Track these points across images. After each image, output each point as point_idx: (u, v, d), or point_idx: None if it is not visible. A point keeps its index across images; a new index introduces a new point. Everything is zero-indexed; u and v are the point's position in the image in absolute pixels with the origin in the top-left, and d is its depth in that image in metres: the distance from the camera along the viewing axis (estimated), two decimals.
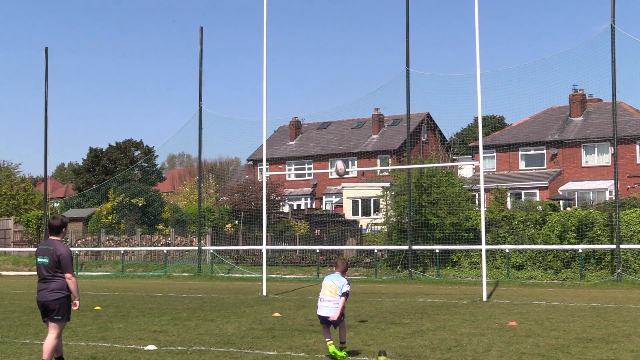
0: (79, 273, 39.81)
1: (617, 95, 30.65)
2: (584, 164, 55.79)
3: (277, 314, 18.85)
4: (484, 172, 26.29)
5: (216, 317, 18.24)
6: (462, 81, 44.29)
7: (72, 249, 40.02)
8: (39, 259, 10.92)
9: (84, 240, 46.89)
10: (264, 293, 25.75)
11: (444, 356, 12.25)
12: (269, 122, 36.01)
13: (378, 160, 64.02)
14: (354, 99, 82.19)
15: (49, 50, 43.22)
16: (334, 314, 12.14)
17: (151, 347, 13.30)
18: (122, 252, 43.47)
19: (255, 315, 18.69)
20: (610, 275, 30.51)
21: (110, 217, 48.55)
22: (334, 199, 64.18)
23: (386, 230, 38.44)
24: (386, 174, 55.72)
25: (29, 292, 26.79)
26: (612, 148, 32.51)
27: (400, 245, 35.77)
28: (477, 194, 40.59)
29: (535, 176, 55.95)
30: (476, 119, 50.99)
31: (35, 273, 36.17)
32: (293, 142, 71.25)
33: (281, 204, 56.50)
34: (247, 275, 36.73)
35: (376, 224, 43.06)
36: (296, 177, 68.27)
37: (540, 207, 36.31)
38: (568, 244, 32.39)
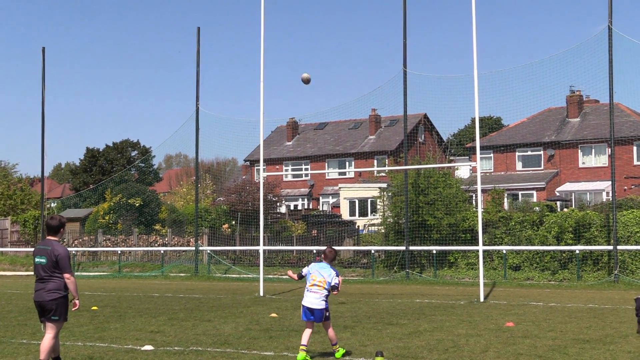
0: (76, 273, 39.71)
1: (614, 96, 30.71)
2: (581, 165, 55.84)
3: (274, 315, 18.84)
4: (481, 173, 26.31)
5: (213, 318, 18.22)
6: (459, 82, 44.35)
7: (69, 249, 39.92)
8: (36, 259, 10.91)
9: (81, 240, 46.85)
10: (261, 293, 25.74)
11: (441, 357, 12.25)
12: (266, 122, 36.08)
13: (375, 161, 64.05)
14: (351, 100, 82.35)
15: (46, 50, 43.22)
16: (320, 306, 12.05)
17: (148, 347, 13.29)
18: (119, 252, 43.45)
19: (252, 316, 18.68)
20: (607, 276, 30.53)
21: (107, 217, 48.54)
22: (331, 200, 64.19)
23: (383, 231, 38.44)
24: (383, 174, 55.74)
25: (26, 292, 26.76)
26: (609, 149, 32.60)
27: (397, 246, 35.77)
28: (474, 195, 40.62)
29: (532, 177, 56.00)
30: (473, 120, 50.98)
31: (32, 273, 36.15)
32: (290, 143, 71.26)
33: (278, 204, 56.51)
34: (244, 275, 36.71)
35: (373, 225, 43.07)
36: (293, 177, 68.29)
37: (537, 208, 36.35)
38: (565, 245, 32.42)
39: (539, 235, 33.59)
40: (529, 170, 57.32)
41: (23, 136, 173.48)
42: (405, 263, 34.10)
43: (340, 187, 59.99)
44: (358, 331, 15.50)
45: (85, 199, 57.47)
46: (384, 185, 44.05)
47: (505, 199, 44.81)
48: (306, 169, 66.54)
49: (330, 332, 12.36)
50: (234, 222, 47.34)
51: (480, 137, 24.89)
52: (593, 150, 55.67)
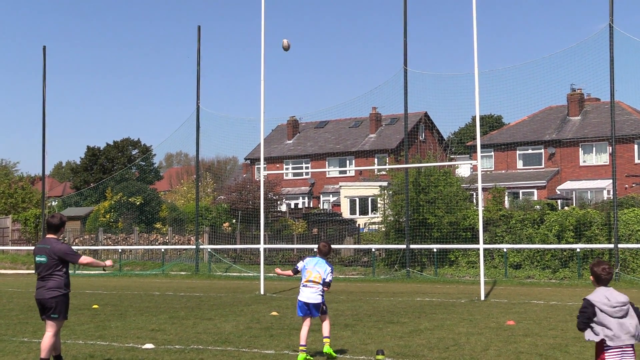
0: (76, 272, 39.75)
1: (615, 94, 30.68)
2: (581, 164, 55.82)
3: (274, 313, 18.84)
4: (482, 171, 26.29)
5: (214, 316, 18.22)
6: (459, 80, 44.39)
7: None
8: (37, 258, 10.93)
9: (81, 238, 46.88)
10: (262, 292, 25.75)
11: (442, 355, 12.25)
12: (267, 121, 36.21)
13: (376, 160, 64.03)
14: (351, 98, 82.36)
15: (47, 49, 43.23)
16: (316, 300, 12.01)
17: (149, 345, 13.29)
18: (120, 250, 43.47)
19: (252, 314, 18.68)
20: None
21: (107, 216, 48.55)
22: (332, 198, 64.17)
23: (384, 229, 38.45)
24: (384, 173, 55.74)
25: (27, 291, 26.78)
26: (610, 147, 32.56)
27: (398, 244, 35.76)
28: (474, 193, 40.62)
29: (533, 175, 55.98)
30: (474, 118, 51.01)
31: (33, 272, 36.09)
32: (291, 141, 71.24)
33: (279, 203, 56.50)
34: (245, 274, 36.72)
35: (374, 223, 43.07)
36: (294, 176, 68.27)
37: (538, 206, 36.34)
38: (566, 244, 32.41)
39: (539, 234, 33.58)
40: (529, 169, 57.31)
41: (24, 135, 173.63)
42: (406, 261, 34.10)
43: (340, 186, 59.98)
44: (359, 329, 15.49)
45: (86, 197, 57.51)
46: (385, 183, 44.04)
47: (506, 198, 44.81)
48: (307, 168, 66.53)
49: (326, 324, 12.23)
50: (234, 221, 47.35)
51: (480, 136, 24.91)
52: (594, 148, 55.65)
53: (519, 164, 58.09)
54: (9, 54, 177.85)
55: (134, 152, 79.16)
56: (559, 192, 53.39)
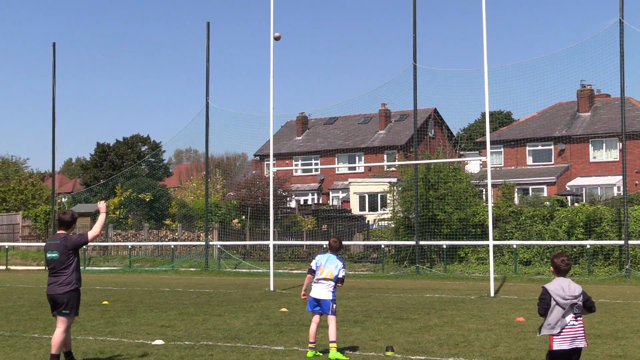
0: (86, 268, 39.90)
1: (625, 90, 30.57)
2: (591, 160, 55.63)
3: (284, 309, 18.85)
4: (491, 167, 26.25)
5: (223, 312, 18.25)
6: (469, 76, 44.28)
7: None
8: (48, 255, 10.96)
9: None
10: (271, 288, 25.77)
11: (452, 352, 12.23)
12: (276, 117, 36.21)
13: (385, 156, 63.97)
14: (360, 95, 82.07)
15: (56, 45, 43.35)
16: (327, 296, 11.95)
17: (159, 341, 13.32)
18: (130, 247, 43.57)
19: (262, 311, 18.69)
20: (619, 271, 30.44)
21: (117, 212, 48.67)
22: (341, 195, 64.16)
23: (393, 225, 38.43)
24: (393, 169, 55.70)
25: (38, 287, 26.87)
26: (621, 143, 32.44)
27: (407, 240, 35.74)
28: (484, 190, 40.54)
29: (542, 172, 55.84)
30: (483, 115, 50.89)
31: (43, 268, 36.20)
32: (300, 138, 71.23)
33: (288, 199, 56.52)
34: (254, 270, 36.77)
35: (383, 220, 43.05)
36: (303, 172, 68.26)
37: (547, 202, 36.26)
38: (576, 240, 32.34)
39: (549, 230, 33.51)
40: (539, 165, 57.16)
41: (34, 131, 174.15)
42: (415, 258, 34.07)
43: (350, 182, 59.96)
44: (368, 326, 15.49)
45: (95, 193, 57.62)
46: (394, 180, 44.03)
47: (516, 194, 44.73)
48: (316, 164, 66.48)
49: (332, 327, 11.99)
50: (244, 217, 47.40)
51: (490, 132, 24.84)
52: (604, 144, 55.46)
53: (529, 160, 57.94)
54: (19, 51, 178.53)
55: (143, 149, 79.27)
56: (568, 189, 53.24)
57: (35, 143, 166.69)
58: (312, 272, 12.23)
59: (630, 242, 30.32)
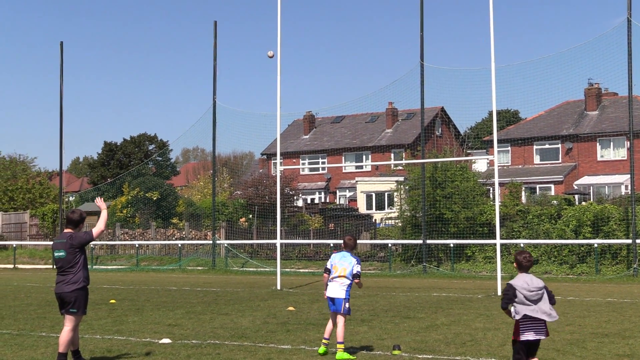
0: (94, 267, 39.98)
1: (633, 89, 30.51)
2: (599, 158, 55.49)
3: (291, 308, 18.87)
4: (499, 166, 26.21)
5: (230, 311, 18.27)
6: (476, 75, 44.20)
7: None
8: (55, 254, 10.99)
9: None
10: (278, 287, 25.78)
11: (459, 350, 12.23)
12: (283, 116, 36.10)
13: (392, 155, 63.93)
14: (368, 93, 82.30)
15: (64, 44, 43.42)
16: (340, 295, 11.91)
17: (166, 340, 13.34)
18: (137, 245, 43.63)
19: (269, 309, 18.71)
20: (626, 270, 30.37)
21: (125, 211, 48.73)
22: (348, 193, 64.16)
23: (400, 224, 38.40)
24: (400, 168, 55.65)
25: (45, 286, 26.94)
26: (628, 142, 32.35)
27: (414, 239, 35.72)
28: (491, 188, 40.48)
29: (550, 170, 55.73)
30: (490, 113, 50.80)
31: (51, 266, 36.27)
32: (307, 136, 71.23)
33: (295, 198, 56.53)
34: (261, 269, 36.79)
35: (390, 218, 43.03)
36: (310, 171, 68.26)
37: (555, 201, 36.18)
38: (583, 239, 32.26)
39: (557, 229, 33.44)
40: (546, 164, 57.04)
41: (42, 130, 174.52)
42: (423, 257, 34.06)
43: (357, 181, 59.95)
44: (375, 325, 15.49)
45: (103, 192, 57.70)
46: (401, 178, 43.94)
47: (523, 193, 44.62)
48: (323, 163, 66.48)
49: (340, 329, 11.86)
50: (251, 216, 47.42)
51: (497, 130, 24.81)
52: (612, 143, 55.31)
53: (536, 159, 57.82)
54: (27, 50, 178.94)
55: (150, 148, 79.36)
56: (576, 187, 53.11)
57: (42, 142, 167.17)
58: (328, 271, 12.18)
59: (638, 241, 30.23)
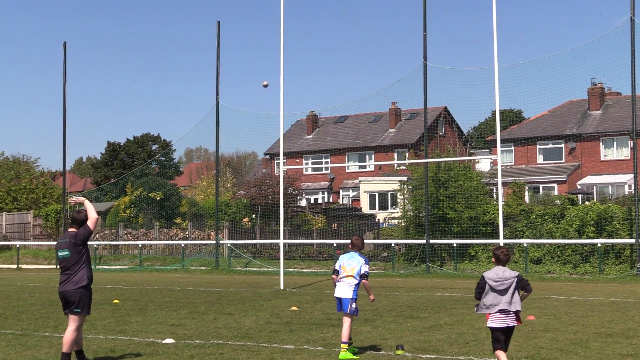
0: (97, 267, 40.02)
1: (636, 88, 30.47)
2: (602, 158, 55.43)
3: (294, 308, 18.87)
4: (502, 166, 26.20)
5: (234, 311, 18.28)
6: (479, 75, 44.16)
7: (90, 242, 40.25)
8: (59, 253, 11.01)
9: (102, 234, 47.13)
10: (282, 287, 25.78)
11: (462, 350, 12.23)
12: (286, 116, 36.01)
13: (395, 154, 63.91)
14: (371, 93, 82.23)
15: (67, 45, 43.45)
16: (347, 295, 11.91)
17: (169, 340, 13.35)
18: (140, 245, 43.66)
19: (272, 309, 18.71)
20: (630, 270, 30.35)
21: (128, 211, 48.76)
22: (351, 193, 64.14)
23: (403, 224, 38.41)
24: (403, 167, 55.65)
25: (49, 286, 26.98)
26: (632, 142, 32.30)
27: (417, 239, 35.72)
28: (494, 188, 40.46)
29: (553, 170, 55.69)
30: (494, 113, 50.73)
31: (54, 266, 36.30)
32: (310, 136, 71.23)
33: (298, 198, 56.51)
34: (265, 269, 36.80)
35: (393, 218, 43.02)
36: (313, 171, 68.26)
37: (558, 201, 36.17)
38: (587, 238, 32.24)
39: (560, 229, 33.42)
40: (550, 163, 56.99)
41: (45, 130, 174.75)
42: (426, 256, 34.05)
43: (360, 181, 59.93)
44: (378, 324, 15.49)
45: (106, 192, 57.77)
46: (404, 178, 43.93)
47: (526, 192, 44.60)
48: (326, 162, 66.48)
49: (346, 328, 11.84)
50: (254, 216, 47.42)
51: (500, 130, 24.81)
52: (615, 142, 55.24)
53: (539, 159, 57.76)
54: (30, 50, 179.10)
55: (154, 148, 79.42)
56: (579, 187, 53.07)
57: (46, 142, 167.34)
58: (337, 272, 12.19)
59: None
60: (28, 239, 51.05)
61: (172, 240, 44.33)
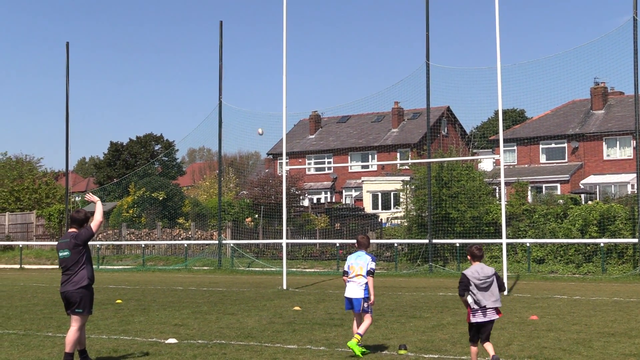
0: (100, 267, 40.06)
1: (639, 87, 30.41)
2: (605, 158, 55.40)
3: (297, 308, 18.88)
4: (505, 165, 26.19)
5: (237, 311, 18.28)
6: (482, 74, 44.04)
7: (93, 242, 40.32)
8: (60, 254, 11.02)
9: (105, 234, 47.15)
10: (284, 287, 25.79)
11: (465, 350, 12.22)
12: (289, 116, 35.88)
13: (398, 154, 63.89)
14: (373, 93, 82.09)
15: (70, 45, 43.48)
16: (358, 295, 11.98)
17: (172, 340, 13.36)
18: (143, 245, 43.68)
19: (275, 309, 18.72)
20: (633, 269, 30.31)
21: (131, 211, 48.80)
22: (354, 193, 64.13)
23: (406, 224, 38.39)
24: (406, 167, 55.62)
25: (52, 286, 26.99)
26: (634, 141, 32.28)
27: (420, 239, 35.70)
28: (497, 188, 40.42)
29: (556, 170, 55.65)
30: (496, 113, 50.74)
31: (57, 267, 36.33)
32: (313, 136, 71.24)
33: (301, 197, 56.54)
34: (268, 269, 36.81)
35: (396, 218, 42.99)
36: (316, 170, 68.26)
37: (561, 200, 36.14)
38: (589, 238, 32.21)
39: (563, 228, 33.39)
40: (552, 163, 56.96)
41: (48, 131, 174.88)
42: (429, 256, 34.04)
43: (363, 180, 59.93)
44: (381, 324, 15.49)
45: (109, 192, 57.83)
46: (407, 178, 43.92)
47: (529, 192, 44.57)
48: (329, 162, 66.49)
49: (364, 324, 12.03)
50: (257, 216, 47.44)
51: (503, 130, 24.80)
52: (618, 142, 55.20)
53: (542, 158, 57.73)
54: (33, 51, 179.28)
55: (156, 148, 79.46)
56: (582, 187, 53.03)
57: (49, 142, 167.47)
58: (346, 273, 12.32)
59: None
60: (31, 239, 51.10)
61: (174, 240, 44.35)
